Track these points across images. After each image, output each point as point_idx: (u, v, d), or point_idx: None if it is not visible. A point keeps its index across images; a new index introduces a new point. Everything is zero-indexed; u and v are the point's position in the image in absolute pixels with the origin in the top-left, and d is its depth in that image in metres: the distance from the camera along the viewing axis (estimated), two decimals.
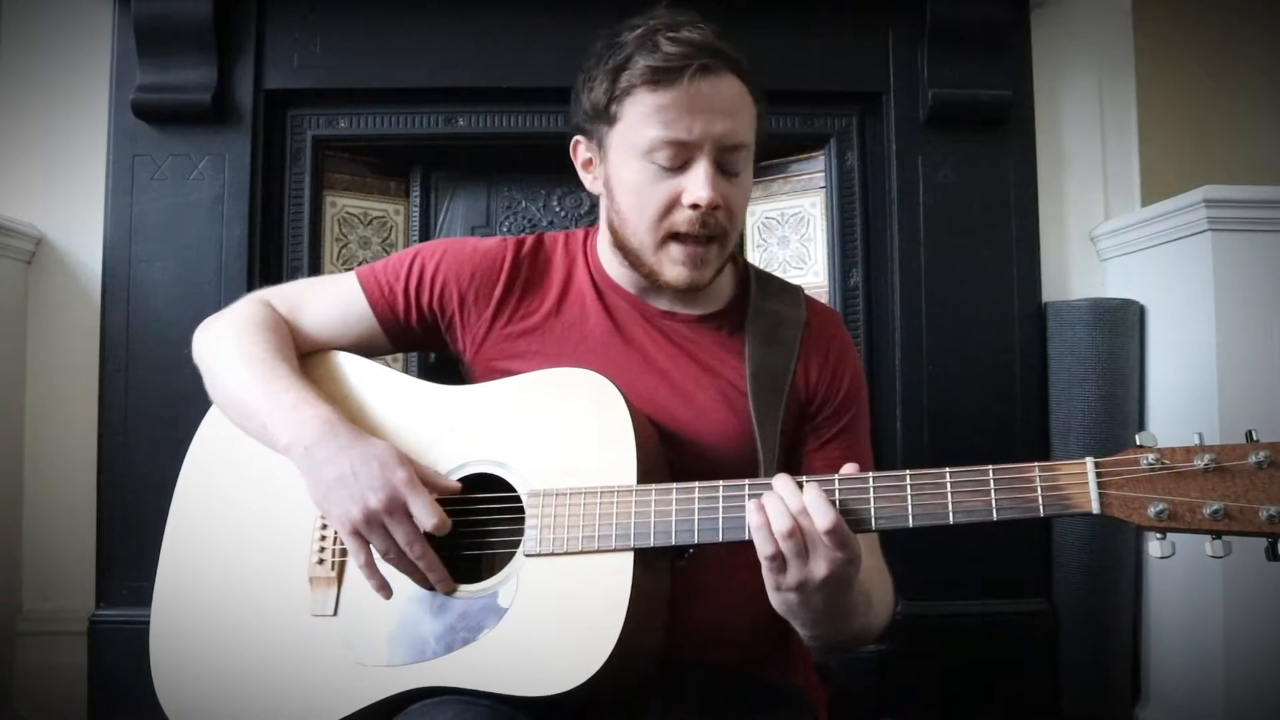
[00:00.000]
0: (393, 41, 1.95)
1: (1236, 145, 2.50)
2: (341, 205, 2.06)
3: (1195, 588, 1.76)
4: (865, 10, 1.99)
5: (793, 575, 0.90)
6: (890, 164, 2.00)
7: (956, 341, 1.96)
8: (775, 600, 0.94)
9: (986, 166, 2.00)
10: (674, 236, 1.09)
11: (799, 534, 0.89)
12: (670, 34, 1.06)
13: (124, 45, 1.92)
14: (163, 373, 1.86)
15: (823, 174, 2.06)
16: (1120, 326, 1.91)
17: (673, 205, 1.08)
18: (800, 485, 0.92)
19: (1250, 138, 2.51)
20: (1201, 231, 1.74)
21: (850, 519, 0.91)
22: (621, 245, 1.14)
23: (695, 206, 1.06)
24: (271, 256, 1.96)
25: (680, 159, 1.07)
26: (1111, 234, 2.02)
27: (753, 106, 1.11)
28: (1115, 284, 2.04)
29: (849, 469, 0.95)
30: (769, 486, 0.93)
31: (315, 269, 1.99)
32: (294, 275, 1.96)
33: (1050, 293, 2.02)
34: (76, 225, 1.97)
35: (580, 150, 1.18)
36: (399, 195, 2.13)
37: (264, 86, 1.94)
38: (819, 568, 0.90)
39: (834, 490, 0.93)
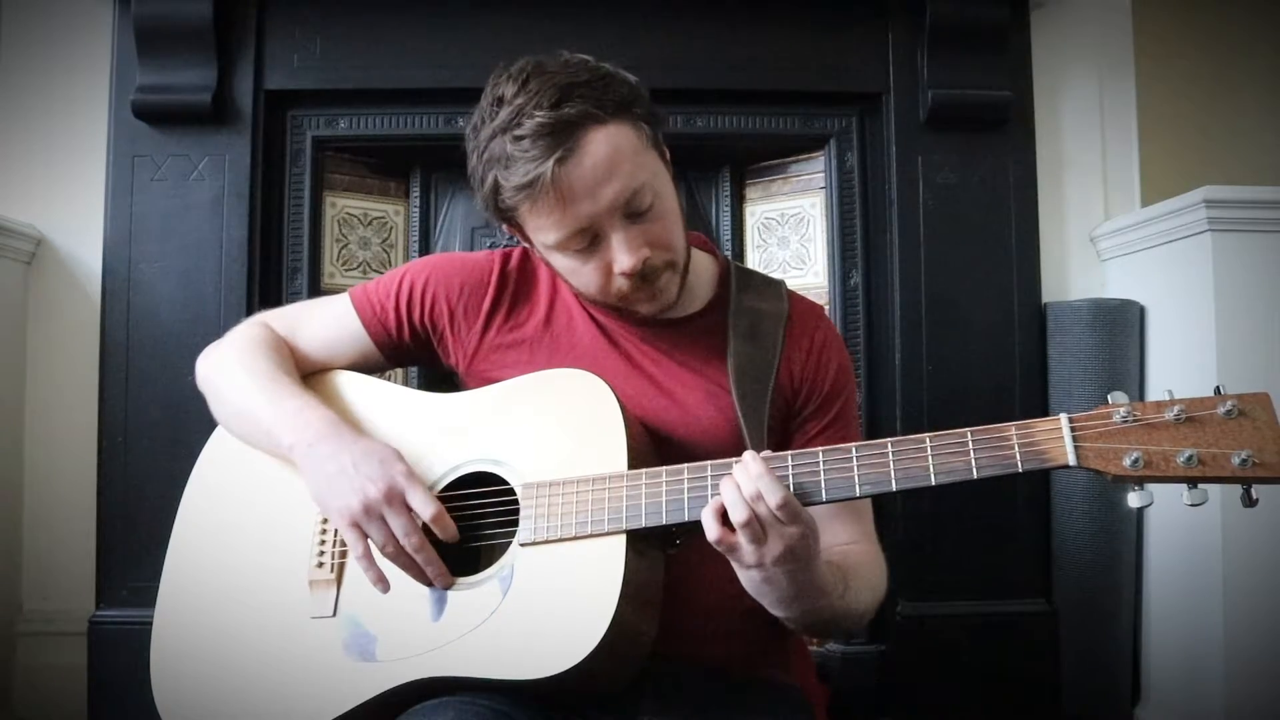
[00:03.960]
0: (393, 41, 1.95)
1: (1236, 145, 2.49)
2: (341, 206, 2.06)
3: (1195, 588, 1.76)
4: (865, 10, 1.99)
5: (750, 554, 0.92)
6: (890, 165, 2.00)
7: (956, 341, 1.96)
8: (742, 579, 0.95)
9: (986, 167, 2.00)
10: (626, 293, 1.09)
11: (755, 521, 0.91)
12: (517, 134, 1.00)
13: (124, 45, 1.92)
14: (163, 373, 1.86)
15: (822, 174, 2.05)
16: (1120, 326, 1.91)
17: (608, 275, 1.08)
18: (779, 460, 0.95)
19: (1250, 138, 2.51)
20: (1201, 232, 1.74)
21: (835, 488, 0.93)
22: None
23: (626, 274, 1.06)
24: (271, 257, 1.96)
25: (589, 238, 1.05)
26: (1111, 234, 2.02)
27: (633, 135, 1.04)
28: (1115, 284, 2.04)
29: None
30: None
31: (315, 270, 1.99)
32: (294, 276, 1.97)
33: (1050, 293, 2.02)
34: (76, 225, 1.97)
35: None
36: (399, 196, 2.13)
37: (264, 87, 1.94)
38: (774, 545, 0.91)
39: (818, 463, 0.94)
